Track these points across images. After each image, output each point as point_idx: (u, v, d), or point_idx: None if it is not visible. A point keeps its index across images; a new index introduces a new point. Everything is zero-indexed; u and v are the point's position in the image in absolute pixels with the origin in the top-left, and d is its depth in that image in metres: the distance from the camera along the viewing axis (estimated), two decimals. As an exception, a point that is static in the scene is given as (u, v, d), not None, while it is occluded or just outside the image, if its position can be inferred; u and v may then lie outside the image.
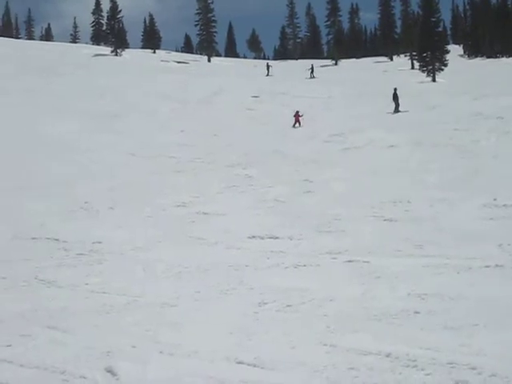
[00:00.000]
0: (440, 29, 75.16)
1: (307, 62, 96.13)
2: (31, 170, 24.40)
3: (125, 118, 38.60)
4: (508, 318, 9.38)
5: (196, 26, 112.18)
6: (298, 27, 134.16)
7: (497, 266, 12.19)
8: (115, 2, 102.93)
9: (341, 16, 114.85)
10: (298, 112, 37.78)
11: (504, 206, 17.11)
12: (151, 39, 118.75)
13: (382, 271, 12.36)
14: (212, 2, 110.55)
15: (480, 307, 9.95)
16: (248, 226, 16.58)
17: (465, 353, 8.24)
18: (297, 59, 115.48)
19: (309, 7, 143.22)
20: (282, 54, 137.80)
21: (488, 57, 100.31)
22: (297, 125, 37.40)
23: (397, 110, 39.97)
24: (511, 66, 76.40)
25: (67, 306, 10.96)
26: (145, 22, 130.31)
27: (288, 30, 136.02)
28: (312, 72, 69.94)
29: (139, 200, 20.02)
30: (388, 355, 8.32)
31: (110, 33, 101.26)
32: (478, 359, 8.01)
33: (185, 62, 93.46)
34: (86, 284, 12.27)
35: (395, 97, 40.37)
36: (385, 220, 16.82)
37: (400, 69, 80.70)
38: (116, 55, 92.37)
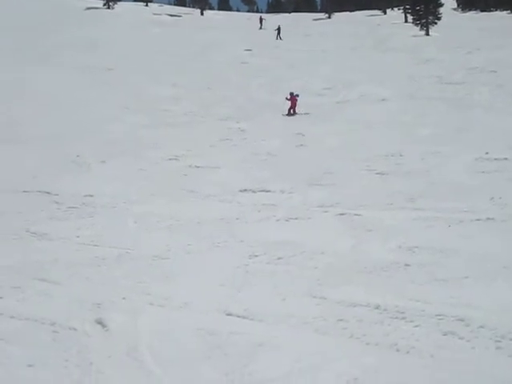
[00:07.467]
0: (434, -19, 74.43)
1: (300, 16, 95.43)
2: (22, 123, 24.23)
3: (117, 71, 38.25)
4: (497, 271, 9.44)
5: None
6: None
7: (488, 219, 12.25)
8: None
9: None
10: (292, 94, 27.34)
11: (495, 159, 17.12)
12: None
13: (373, 224, 12.39)
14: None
15: (470, 260, 10.01)
16: (240, 179, 16.57)
17: (454, 305, 8.30)
18: (290, 12, 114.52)
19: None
20: (276, 7, 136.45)
21: (482, 10, 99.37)
22: (292, 111, 27.10)
23: None
24: (505, 19, 75.77)
25: (58, 258, 10.99)
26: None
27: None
28: (279, 33, 60.31)
29: (132, 153, 19.93)
30: (377, 307, 8.38)
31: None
32: (466, 311, 8.08)
33: (177, 15, 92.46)
34: (78, 237, 12.29)
35: None
36: (377, 173, 16.81)
37: (393, 22, 79.94)
38: (108, 8, 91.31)
